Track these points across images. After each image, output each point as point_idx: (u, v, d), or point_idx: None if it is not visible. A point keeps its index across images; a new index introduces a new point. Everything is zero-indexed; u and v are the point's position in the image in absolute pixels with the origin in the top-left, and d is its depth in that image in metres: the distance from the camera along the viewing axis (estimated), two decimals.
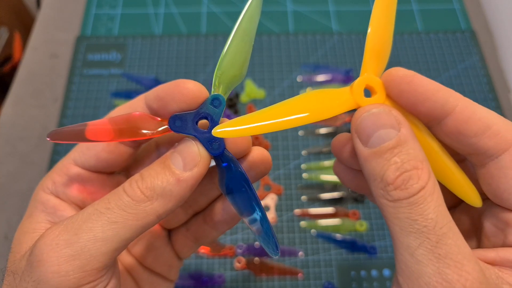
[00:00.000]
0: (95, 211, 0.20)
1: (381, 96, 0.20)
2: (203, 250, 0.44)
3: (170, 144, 0.25)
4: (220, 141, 0.21)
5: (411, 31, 0.59)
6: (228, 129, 0.19)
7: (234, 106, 0.53)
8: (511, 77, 0.56)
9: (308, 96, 0.20)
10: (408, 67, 0.25)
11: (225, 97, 0.21)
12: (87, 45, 0.58)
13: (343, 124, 0.52)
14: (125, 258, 0.27)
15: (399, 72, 0.19)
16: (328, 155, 0.50)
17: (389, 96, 0.20)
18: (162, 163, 0.21)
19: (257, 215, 0.21)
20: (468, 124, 0.19)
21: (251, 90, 0.54)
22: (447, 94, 0.19)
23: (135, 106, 0.23)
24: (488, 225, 0.20)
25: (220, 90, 0.22)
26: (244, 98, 0.53)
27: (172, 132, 0.21)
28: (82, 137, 0.21)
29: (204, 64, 0.56)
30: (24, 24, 0.85)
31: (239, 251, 0.44)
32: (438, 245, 0.17)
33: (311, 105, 0.20)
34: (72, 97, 0.54)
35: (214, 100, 0.21)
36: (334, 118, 0.52)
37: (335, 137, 0.23)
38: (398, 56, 0.57)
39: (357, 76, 0.20)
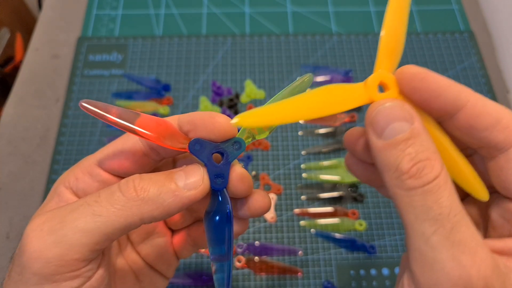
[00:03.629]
0: (84, 202, 0.20)
1: (394, 92, 0.20)
2: (204, 249, 0.45)
3: (186, 163, 0.26)
4: (225, 179, 0.22)
5: (410, 32, 0.59)
6: (247, 118, 0.19)
7: (234, 107, 0.53)
8: (510, 78, 0.56)
9: (323, 90, 0.20)
10: None
11: (246, 144, 0.23)
12: (88, 46, 0.58)
13: (342, 124, 0.52)
14: (129, 253, 0.27)
15: (412, 69, 0.20)
16: (327, 155, 0.50)
17: (401, 92, 0.20)
18: (167, 174, 0.21)
19: (226, 256, 0.22)
20: (479, 118, 0.19)
21: (251, 91, 0.54)
22: (458, 90, 0.19)
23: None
24: (496, 217, 0.21)
25: (246, 137, 0.23)
26: (244, 98, 0.54)
27: (189, 152, 0.22)
28: (130, 123, 0.21)
29: (204, 65, 0.57)
30: (25, 25, 0.85)
31: (239, 250, 0.44)
32: (452, 232, 0.17)
33: (326, 99, 0.20)
34: (73, 97, 0.54)
35: (237, 143, 0.22)
36: (334, 118, 0.52)
37: (348, 131, 0.23)
38: None
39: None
